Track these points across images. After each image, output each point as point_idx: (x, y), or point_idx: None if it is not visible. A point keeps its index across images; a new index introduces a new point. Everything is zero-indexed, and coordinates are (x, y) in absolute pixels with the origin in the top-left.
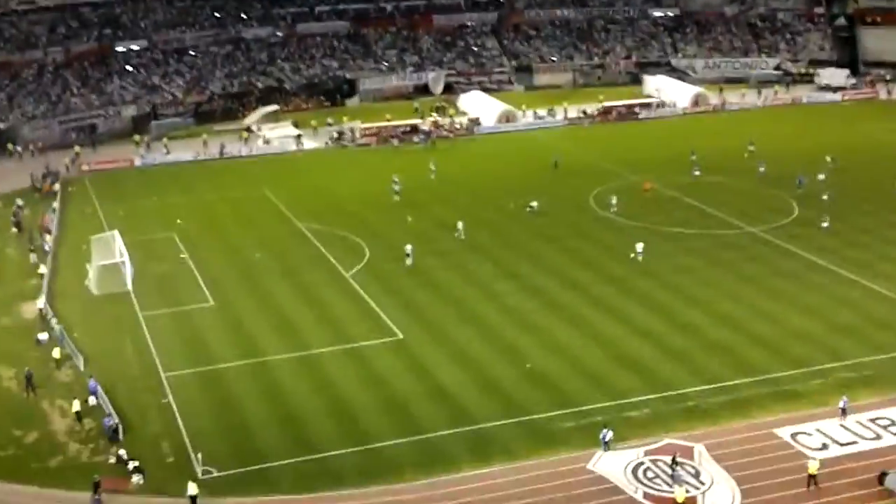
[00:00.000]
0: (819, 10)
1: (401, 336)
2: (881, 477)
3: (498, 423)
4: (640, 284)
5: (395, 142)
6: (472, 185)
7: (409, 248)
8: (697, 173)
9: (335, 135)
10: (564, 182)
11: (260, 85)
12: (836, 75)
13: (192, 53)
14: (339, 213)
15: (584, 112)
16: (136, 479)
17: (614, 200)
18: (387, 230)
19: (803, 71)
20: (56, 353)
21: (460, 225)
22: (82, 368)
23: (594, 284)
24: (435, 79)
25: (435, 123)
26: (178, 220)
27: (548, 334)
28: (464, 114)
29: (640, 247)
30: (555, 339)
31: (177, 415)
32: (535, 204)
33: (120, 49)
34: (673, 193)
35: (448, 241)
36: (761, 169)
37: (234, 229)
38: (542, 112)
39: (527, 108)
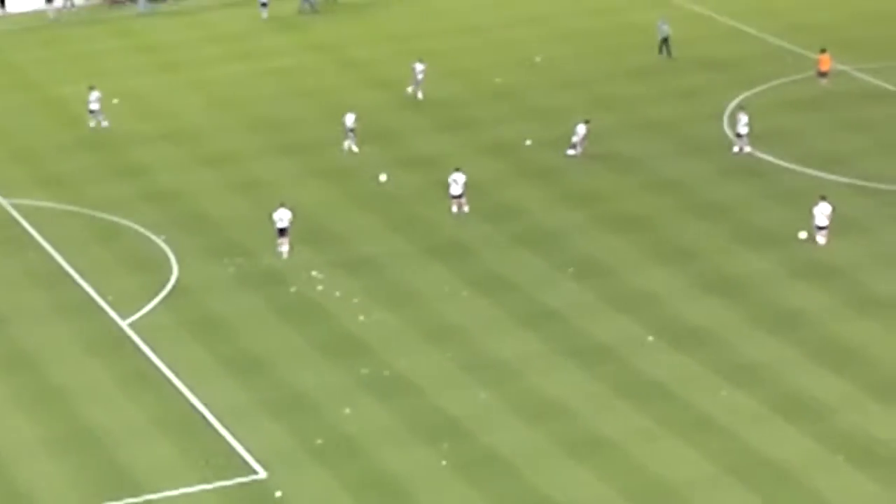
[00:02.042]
0: None
1: (262, 475)
2: None
3: None
4: (852, 328)
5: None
6: (443, 98)
7: (282, 217)
8: None
9: None
10: (675, 82)
11: None
12: None
13: None
14: (105, 166)
15: None
16: None
17: (743, 122)
18: (227, 205)
19: None
20: None
21: (458, 181)
22: None
23: (729, 327)
24: None
25: None
26: None
27: (637, 468)
28: None
29: (821, 213)
30: (655, 476)
31: None
32: (577, 135)
33: None
34: None
35: (390, 224)
36: None
37: None
38: None
39: None
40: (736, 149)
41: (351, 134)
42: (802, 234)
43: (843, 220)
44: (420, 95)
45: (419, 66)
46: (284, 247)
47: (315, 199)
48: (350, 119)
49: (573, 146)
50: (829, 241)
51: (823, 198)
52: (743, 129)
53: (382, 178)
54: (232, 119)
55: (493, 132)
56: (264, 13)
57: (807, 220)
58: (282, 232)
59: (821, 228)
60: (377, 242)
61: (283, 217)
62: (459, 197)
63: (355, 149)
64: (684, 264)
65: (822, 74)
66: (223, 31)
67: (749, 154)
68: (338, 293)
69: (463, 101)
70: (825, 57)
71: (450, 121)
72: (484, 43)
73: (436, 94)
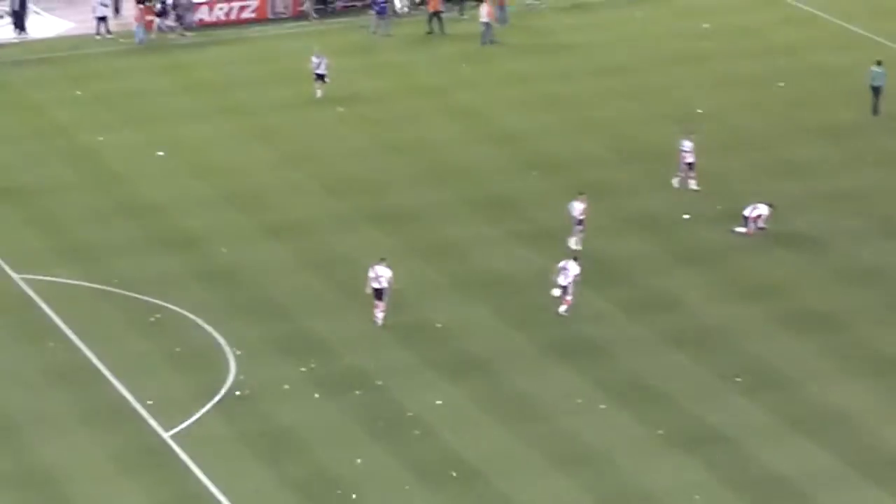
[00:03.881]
0: None
1: None
2: None
3: None
4: None
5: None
6: (578, 157)
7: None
8: None
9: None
10: (878, 144)
11: None
12: None
13: None
14: (147, 236)
15: None
16: None
17: None
18: (301, 288)
19: None
20: None
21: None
22: None
23: None
24: None
25: None
26: None
27: None
28: None
29: None
30: None
31: None
32: (754, 213)
33: None
34: None
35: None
36: None
37: None
38: None
39: None
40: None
41: (579, 227)
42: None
43: None
44: (693, 185)
45: (687, 144)
46: (380, 313)
47: (412, 282)
48: (577, 209)
49: (745, 222)
50: None
51: None
52: None
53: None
54: (308, 178)
55: (640, 202)
56: (319, 91)
57: None
58: (378, 294)
59: None
60: (490, 339)
61: (381, 276)
62: (565, 289)
63: (577, 246)
64: (887, 377)
65: None
66: (296, 68)
67: None
68: (439, 401)
69: (601, 160)
70: None
71: (584, 186)
72: (629, 88)
73: (567, 151)
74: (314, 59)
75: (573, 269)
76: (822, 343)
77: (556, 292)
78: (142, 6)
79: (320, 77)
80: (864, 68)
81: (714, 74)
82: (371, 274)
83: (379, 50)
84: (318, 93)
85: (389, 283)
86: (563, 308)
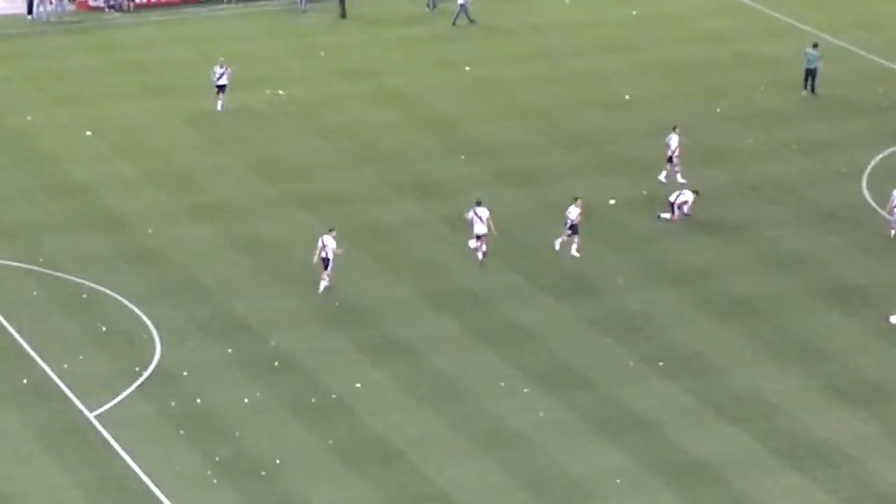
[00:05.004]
0: None
1: None
2: None
3: None
4: None
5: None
6: (506, 142)
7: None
8: None
9: None
10: (806, 132)
11: None
12: None
13: None
14: (74, 216)
15: None
16: None
17: None
18: (227, 270)
19: None
20: None
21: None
22: None
23: None
24: None
25: None
26: None
27: None
28: None
29: None
30: None
31: None
32: (679, 199)
33: None
34: None
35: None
36: None
37: None
38: None
39: None
40: (893, 232)
41: (569, 232)
42: (894, 319)
43: None
44: (680, 178)
45: (674, 139)
46: (325, 281)
47: (339, 264)
48: (573, 213)
49: (670, 209)
50: None
51: None
52: None
53: (472, 244)
54: (236, 160)
55: (566, 187)
56: (219, 103)
57: None
58: (325, 263)
59: None
60: (415, 322)
61: (327, 246)
62: (481, 238)
63: (576, 254)
64: (808, 363)
65: None
66: (230, 50)
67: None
68: (362, 384)
69: (530, 147)
70: None
71: (512, 172)
72: (558, 74)
73: (496, 136)
74: (217, 70)
75: (484, 212)
76: (744, 329)
77: (473, 243)
78: None
79: (221, 88)
80: (793, 57)
81: (642, 61)
82: (319, 244)
83: (311, 32)
84: (219, 104)
85: (334, 252)
86: (481, 258)
